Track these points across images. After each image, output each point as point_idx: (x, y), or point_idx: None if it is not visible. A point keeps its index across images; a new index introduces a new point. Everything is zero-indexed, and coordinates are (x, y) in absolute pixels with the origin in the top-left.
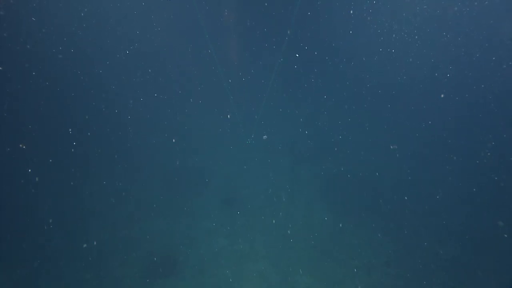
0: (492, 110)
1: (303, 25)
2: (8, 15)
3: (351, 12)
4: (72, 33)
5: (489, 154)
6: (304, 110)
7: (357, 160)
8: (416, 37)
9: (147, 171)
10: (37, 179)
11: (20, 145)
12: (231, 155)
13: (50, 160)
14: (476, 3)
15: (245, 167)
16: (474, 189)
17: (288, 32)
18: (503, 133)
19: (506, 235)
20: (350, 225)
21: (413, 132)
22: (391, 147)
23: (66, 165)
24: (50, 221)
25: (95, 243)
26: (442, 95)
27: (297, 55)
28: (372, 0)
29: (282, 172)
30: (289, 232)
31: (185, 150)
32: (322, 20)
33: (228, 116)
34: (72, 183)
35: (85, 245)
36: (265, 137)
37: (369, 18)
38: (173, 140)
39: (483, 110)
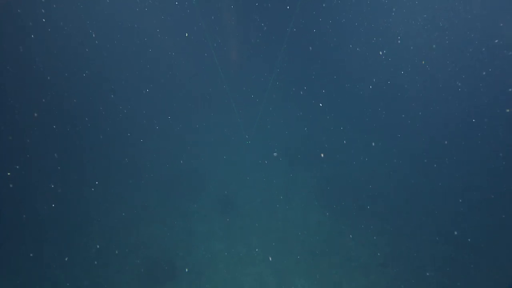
0: (490, 111)
1: (302, 26)
2: (11, 19)
3: (351, 14)
4: (75, 34)
5: (486, 154)
6: (301, 112)
7: (353, 161)
8: (417, 38)
9: (144, 175)
10: (34, 184)
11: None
12: (228, 157)
13: (46, 164)
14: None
15: (242, 169)
16: (472, 189)
17: (288, 30)
18: (500, 134)
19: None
20: (347, 227)
21: (409, 134)
22: None
23: (62, 169)
24: (47, 226)
25: (92, 248)
26: (438, 99)
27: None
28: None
29: (279, 174)
30: (286, 234)
31: (182, 153)
32: (322, 22)
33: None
34: (68, 188)
35: (82, 251)
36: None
37: (369, 17)
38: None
39: (480, 111)
